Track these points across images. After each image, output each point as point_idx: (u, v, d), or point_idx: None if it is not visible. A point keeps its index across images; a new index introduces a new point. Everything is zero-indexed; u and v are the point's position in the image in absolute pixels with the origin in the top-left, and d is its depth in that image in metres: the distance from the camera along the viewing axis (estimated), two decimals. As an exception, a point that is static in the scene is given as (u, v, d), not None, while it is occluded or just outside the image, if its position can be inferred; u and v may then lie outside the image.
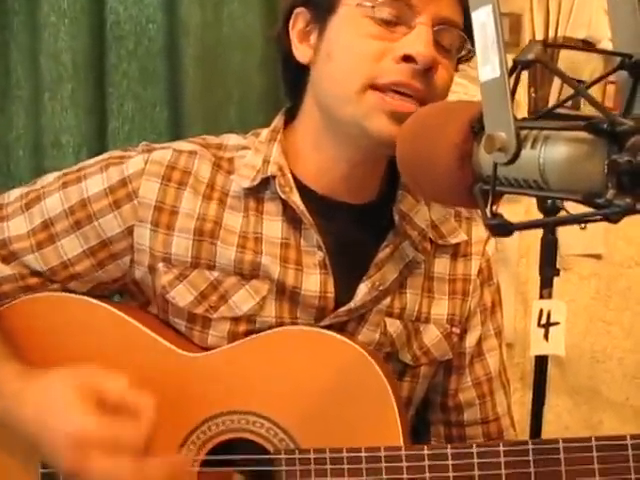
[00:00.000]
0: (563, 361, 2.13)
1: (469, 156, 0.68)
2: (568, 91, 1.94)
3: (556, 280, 1.63)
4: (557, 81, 1.98)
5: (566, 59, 1.96)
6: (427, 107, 0.79)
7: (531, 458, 0.88)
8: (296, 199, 0.98)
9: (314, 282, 0.99)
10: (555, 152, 0.61)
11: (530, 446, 0.89)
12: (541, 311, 1.55)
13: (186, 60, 1.42)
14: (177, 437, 0.95)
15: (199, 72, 1.43)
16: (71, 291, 1.02)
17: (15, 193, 1.04)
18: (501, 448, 0.89)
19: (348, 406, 0.93)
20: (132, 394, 0.85)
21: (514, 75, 0.60)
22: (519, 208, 1.90)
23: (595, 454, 0.87)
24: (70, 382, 0.87)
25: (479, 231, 1.09)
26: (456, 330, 1.06)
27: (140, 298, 1.04)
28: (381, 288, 1.01)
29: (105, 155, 1.04)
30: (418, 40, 0.89)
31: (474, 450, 0.90)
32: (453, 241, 1.06)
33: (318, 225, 0.99)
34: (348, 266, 1.00)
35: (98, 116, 1.39)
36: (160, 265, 0.99)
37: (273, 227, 0.99)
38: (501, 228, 0.66)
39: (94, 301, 1.01)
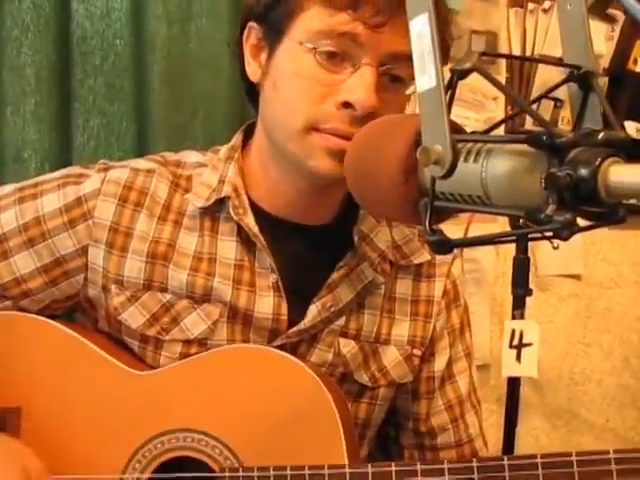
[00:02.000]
0: (541, 383, 2.10)
1: (414, 170, 0.66)
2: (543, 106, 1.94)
3: (534, 300, 1.60)
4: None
5: (544, 74, 1.96)
6: (376, 121, 0.77)
7: (475, 477, 0.87)
8: (249, 221, 0.97)
9: (267, 304, 0.98)
10: (497, 165, 0.59)
11: (475, 464, 0.88)
12: (513, 332, 1.53)
13: (152, 76, 1.41)
14: (123, 454, 0.94)
15: (165, 88, 1.42)
16: (23, 310, 1.01)
17: None
18: (445, 466, 0.88)
19: (295, 428, 0.92)
20: None
21: (452, 86, 0.59)
22: (495, 228, 1.90)
23: (541, 472, 0.85)
24: (20, 471, 0.87)
25: None
26: (417, 352, 1.05)
27: (92, 315, 1.03)
28: (333, 309, 0.99)
29: (63, 171, 1.03)
30: (359, 86, 0.87)
31: (418, 468, 0.88)
32: (416, 261, 1.05)
33: (272, 247, 0.98)
34: (301, 287, 0.99)
35: (63, 131, 1.38)
36: (113, 287, 0.98)
37: (227, 248, 0.98)
38: (441, 244, 0.64)
39: (44, 319, 1.00)
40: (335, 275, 1.00)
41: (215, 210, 0.99)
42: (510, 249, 1.77)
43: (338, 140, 0.88)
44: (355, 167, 0.72)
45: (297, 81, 0.90)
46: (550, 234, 0.57)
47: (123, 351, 1.01)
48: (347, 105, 0.88)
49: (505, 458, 0.87)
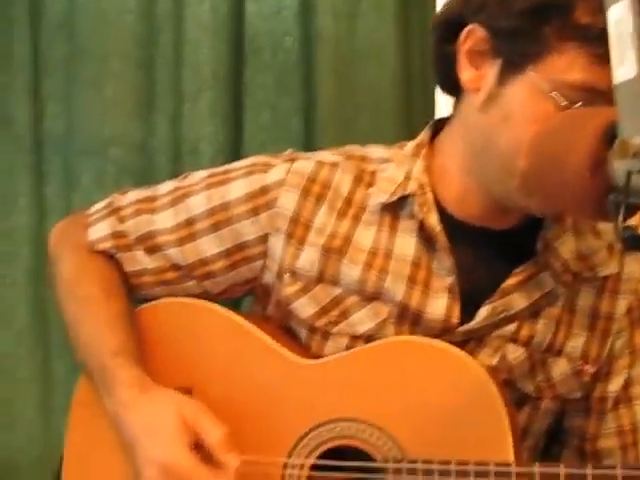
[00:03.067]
0: None
1: (603, 164, 0.64)
2: None
3: None
4: None
5: None
6: (559, 115, 0.75)
7: None
8: (433, 221, 0.95)
9: (440, 306, 0.96)
10: None
11: None
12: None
13: (320, 71, 1.43)
14: (288, 441, 0.96)
15: (332, 83, 1.44)
16: (206, 290, 1.06)
17: (166, 187, 1.08)
18: (618, 471, 0.82)
19: (461, 423, 0.90)
20: (223, 449, 0.91)
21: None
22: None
23: None
24: (176, 413, 0.92)
25: (633, 266, 1.00)
26: (589, 368, 0.99)
27: (265, 301, 1.06)
28: (503, 315, 0.96)
29: (251, 159, 1.06)
30: None
31: (589, 472, 0.83)
32: (602, 274, 0.98)
33: (452, 248, 0.95)
34: (475, 290, 0.96)
35: (235, 126, 1.43)
36: (286, 276, 1.00)
37: (406, 245, 0.97)
38: (636, 241, 0.62)
39: (220, 308, 1.04)
40: (511, 280, 0.96)
41: (397, 207, 0.98)
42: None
43: None
44: (540, 151, 0.70)
45: (536, 128, 0.82)
46: None
47: (289, 338, 1.03)
48: None
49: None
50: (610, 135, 0.62)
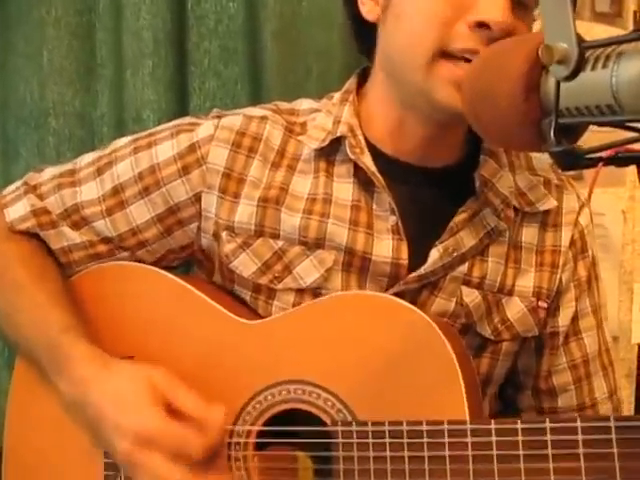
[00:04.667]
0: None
1: (536, 88, 0.62)
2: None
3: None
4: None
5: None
6: (496, 43, 0.74)
7: (614, 437, 0.78)
8: (367, 160, 0.95)
9: (386, 248, 0.95)
10: (629, 67, 0.54)
11: (613, 423, 0.78)
12: (644, 295, 1.43)
13: (265, 37, 1.41)
14: (234, 406, 0.93)
15: (278, 48, 1.42)
16: (140, 261, 1.02)
17: (87, 158, 1.05)
18: (578, 424, 0.80)
19: (412, 381, 0.88)
20: (202, 406, 0.85)
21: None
22: (624, 192, 1.78)
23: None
24: (145, 382, 0.87)
25: (571, 200, 1.02)
26: (542, 304, 1.00)
27: (207, 266, 1.03)
28: (455, 254, 0.95)
29: (176, 121, 1.04)
30: (494, 5, 0.84)
31: (547, 425, 0.81)
32: (542, 208, 1.00)
33: (390, 188, 0.95)
34: (422, 231, 0.96)
35: (180, 93, 1.41)
36: (224, 234, 0.98)
37: (343, 189, 0.96)
38: (568, 156, 0.60)
39: (158, 271, 1.01)
40: (457, 219, 0.96)
41: (330, 153, 0.97)
42: (639, 213, 1.67)
43: (466, 67, 0.85)
44: (473, 87, 0.69)
45: (425, 4, 0.87)
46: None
47: (235, 302, 1.01)
48: (482, 25, 0.85)
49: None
50: (541, 57, 0.61)
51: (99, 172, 1.02)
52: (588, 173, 1.62)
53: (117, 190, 1.00)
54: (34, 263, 1.00)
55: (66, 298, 0.97)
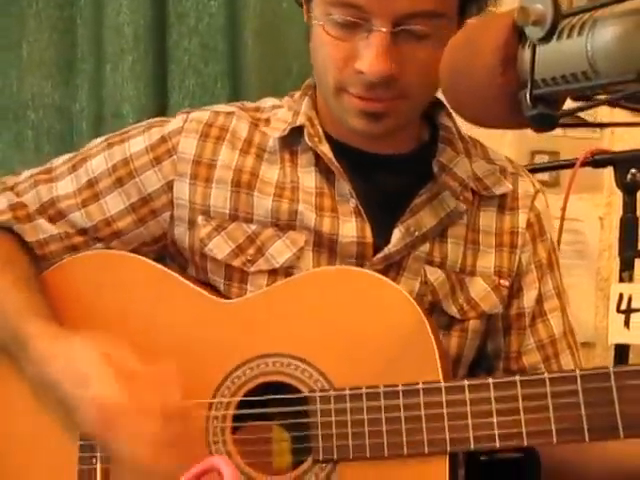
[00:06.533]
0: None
1: (513, 61, 0.63)
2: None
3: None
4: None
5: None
6: (474, 18, 0.75)
7: (579, 388, 0.83)
8: (324, 148, 1.00)
9: (351, 228, 0.98)
10: (604, 33, 0.54)
11: (577, 372, 0.84)
12: (621, 296, 1.43)
13: (246, 36, 1.43)
14: (212, 381, 0.93)
15: (259, 47, 1.43)
16: None
17: (63, 157, 1.08)
18: (546, 376, 0.84)
19: (388, 351, 0.90)
20: (152, 367, 0.86)
21: None
22: (601, 199, 1.81)
23: None
24: (97, 350, 0.86)
25: (526, 185, 1.07)
26: (504, 282, 1.03)
27: (179, 261, 1.05)
28: (417, 234, 0.99)
29: (149, 120, 1.08)
30: (366, 54, 0.90)
31: (517, 378, 0.85)
32: (498, 192, 1.04)
33: (350, 175, 1.00)
34: (384, 213, 1.00)
35: (159, 90, 1.42)
36: (199, 218, 1.01)
37: (307, 177, 1.01)
38: (543, 118, 0.61)
39: (131, 255, 1.02)
40: (417, 200, 1.00)
41: (292, 142, 1.02)
42: (616, 220, 1.68)
43: (367, 102, 0.92)
44: (450, 68, 0.69)
45: (322, 48, 0.94)
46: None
47: (208, 289, 1.01)
48: (361, 72, 0.91)
49: (611, 368, 0.82)
50: (517, 29, 0.61)
51: (74, 168, 1.05)
52: (565, 179, 1.63)
53: (92, 183, 1.03)
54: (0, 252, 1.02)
55: (27, 283, 0.98)
